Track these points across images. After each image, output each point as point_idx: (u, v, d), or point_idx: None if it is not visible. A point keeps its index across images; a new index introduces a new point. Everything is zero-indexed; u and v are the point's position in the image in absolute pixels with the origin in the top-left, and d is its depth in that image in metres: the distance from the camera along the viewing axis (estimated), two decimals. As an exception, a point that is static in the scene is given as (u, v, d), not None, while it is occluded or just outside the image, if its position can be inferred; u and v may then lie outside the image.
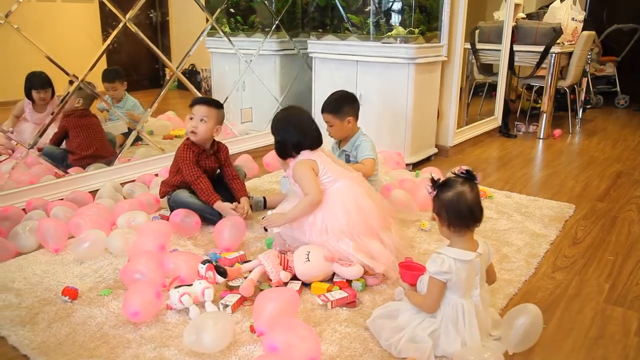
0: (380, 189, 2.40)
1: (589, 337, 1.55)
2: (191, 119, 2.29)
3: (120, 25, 2.65)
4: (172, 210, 2.31)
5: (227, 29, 3.73)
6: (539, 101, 4.65)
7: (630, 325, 1.61)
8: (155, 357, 1.40)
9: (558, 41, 4.13)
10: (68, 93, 2.54)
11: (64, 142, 2.80)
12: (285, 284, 1.74)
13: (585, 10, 5.21)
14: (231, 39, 3.43)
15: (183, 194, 2.27)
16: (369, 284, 1.78)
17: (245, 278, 1.74)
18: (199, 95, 3.14)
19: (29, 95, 2.80)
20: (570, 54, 4.38)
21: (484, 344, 1.40)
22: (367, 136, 2.44)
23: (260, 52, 3.59)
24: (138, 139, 2.91)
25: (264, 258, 1.76)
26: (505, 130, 4.27)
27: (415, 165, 3.24)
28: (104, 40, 2.68)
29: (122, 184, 2.61)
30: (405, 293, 1.50)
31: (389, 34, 3.13)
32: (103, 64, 2.92)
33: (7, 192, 2.29)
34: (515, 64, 4.28)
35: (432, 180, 1.42)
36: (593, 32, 4.45)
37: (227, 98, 3.39)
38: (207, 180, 2.28)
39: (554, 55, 4.07)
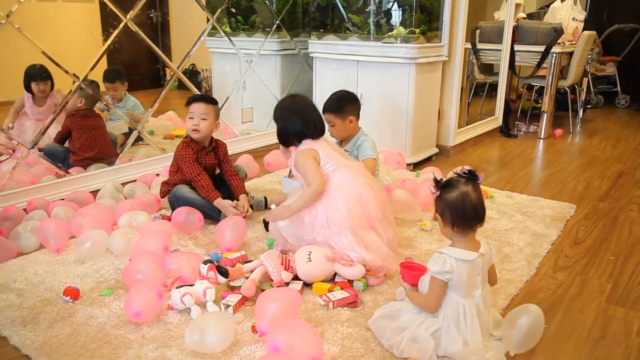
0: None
1: (591, 337, 1.54)
2: (191, 118, 2.29)
3: (121, 25, 2.65)
4: (172, 206, 2.31)
5: (227, 29, 3.73)
6: (540, 101, 4.65)
7: (632, 326, 1.60)
8: (157, 357, 1.40)
9: (559, 41, 4.13)
10: (70, 92, 2.54)
11: (67, 142, 2.79)
12: (287, 284, 1.74)
13: (585, 10, 5.22)
14: (232, 38, 3.43)
15: (184, 190, 2.28)
16: (370, 284, 1.77)
17: (247, 278, 1.74)
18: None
19: (28, 88, 2.80)
20: (570, 53, 4.38)
21: (486, 344, 1.40)
22: (368, 136, 2.44)
23: (260, 52, 3.59)
24: (139, 139, 2.91)
25: (266, 258, 1.75)
26: (505, 130, 4.27)
27: (416, 165, 3.24)
28: (105, 40, 2.68)
29: (123, 184, 2.61)
30: (407, 293, 1.50)
31: (390, 33, 3.13)
32: (103, 64, 2.91)
33: (8, 192, 2.29)
34: (516, 63, 4.27)
35: (435, 180, 1.41)
36: (594, 32, 4.45)
37: (227, 98, 3.39)
38: (208, 177, 2.29)
39: (554, 55, 4.07)
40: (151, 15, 4.05)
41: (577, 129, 4.59)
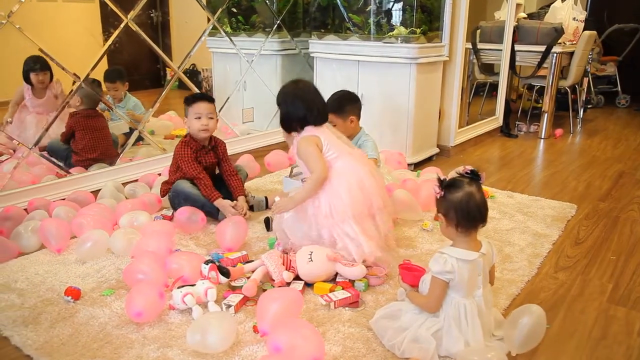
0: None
1: (592, 337, 1.54)
2: (198, 118, 2.28)
3: (122, 25, 2.65)
4: (172, 202, 2.32)
5: (228, 29, 3.73)
6: (540, 101, 4.65)
7: (633, 326, 1.60)
8: (159, 357, 1.40)
9: (559, 41, 4.13)
10: (71, 92, 2.54)
11: (70, 142, 2.79)
12: (288, 284, 1.74)
13: (586, 10, 5.22)
14: (232, 38, 3.43)
15: (184, 184, 2.28)
16: (371, 284, 1.77)
17: (248, 278, 1.74)
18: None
19: (27, 79, 2.79)
20: (571, 53, 4.38)
21: (487, 344, 1.40)
22: (369, 136, 2.44)
23: (261, 52, 3.58)
24: (140, 138, 2.91)
25: (267, 258, 1.75)
26: (506, 130, 4.27)
27: (417, 165, 3.24)
28: (105, 40, 2.68)
29: (124, 184, 2.61)
30: (407, 294, 1.50)
31: (391, 33, 3.12)
32: (104, 64, 2.91)
33: (9, 192, 2.29)
34: (517, 63, 4.27)
35: (440, 180, 1.40)
36: (594, 32, 4.45)
37: (228, 98, 3.39)
38: (208, 176, 2.30)
39: (555, 55, 4.07)
40: (151, 15, 4.05)
41: (578, 129, 4.59)
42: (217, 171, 2.47)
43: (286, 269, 1.74)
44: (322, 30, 3.47)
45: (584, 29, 4.46)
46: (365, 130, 2.48)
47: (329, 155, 1.89)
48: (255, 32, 3.79)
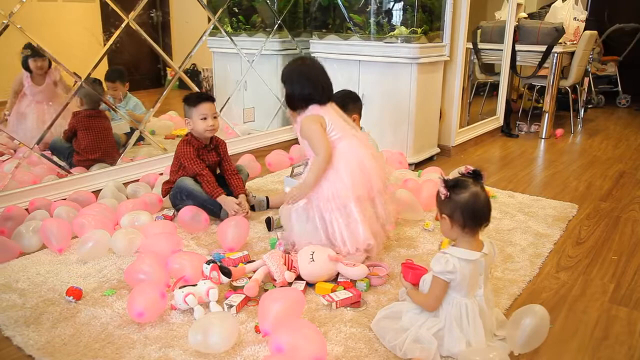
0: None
1: (594, 337, 1.54)
2: (204, 118, 2.28)
3: (123, 24, 2.64)
4: (174, 200, 2.32)
5: (229, 29, 3.73)
6: (541, 101, 4.65)
7: (635, 326, 1.60)
8: (160, 357, 1.40)
9: (560, 41, 4.13)
10: (74, 91, 2.54)
11: (72, 141, 2.79)
12: (290, 284, 1.74)
13: (586, 9, 5.22)
14: (233, 38, 3.43)
15: (187, 181, 2.29)
16: (373, 284, 1.77)
17: (250, 278, 1.74)
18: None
19: (26, 66, 2.77)
20: (572, 53, 4.38)
21: (489, 344, 1.40)
22: (370, 135, 2.44)
23: (262, 52, 3.58)
24: (140, 138, 2.90)
25: (268, 258, 1.75)
26: (507, 130, 4.27)
27: (418, 165, 3.23)
28: (105, 40, 2.68)
29: (125, 184, 2.60)
30: (407, 292, 1.50)
31: (392, 33, 3.12)
32: (104, 64, 2.91)
33: (10, 192, 2.29)
34: (517, 63, 4.27)
35: (445, 181, 1.39)
36: (595, 32, 4.45)
37: (229, 98, 3.39)
38: (211, 173, 2.31)
39: (556, 54, 4.07)
40: (152, 15, 4.04)
41: (578, 129, 4.59)
42: (218, 171, 2.47)
43: (288, 269, 1.74)
44: (323, 30, 3.47)
45: (585, 29, 4.46)
46: (366, 129, 2.47)
47: (332, 136, 1.87)
48: (256, 32, 3.79)
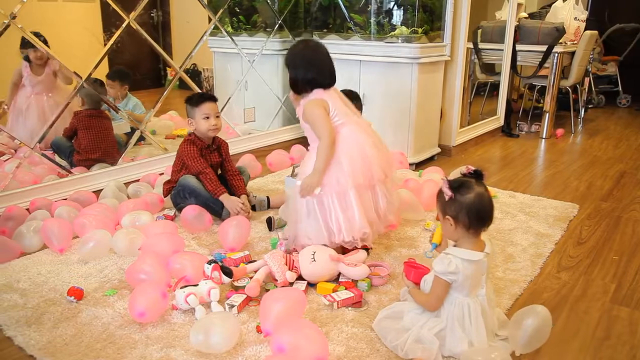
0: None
1: (596, 337, 1.54)
2: (207, 118, 2.29)
3: (124, 24, 2.64)
4: (175, 200, 2.33)
5: (229, 29, 3.73)
6: (541, 101, 4.65)
7: (637, 326, 1.60)
8: (162, 357, 1.40)
9: (560, 41, 4.13)
10: (74, 90, 2.54)
11: (73, 140, 2.79)
12: (291, 284, 1.74)
13: (587, 9, 5.22)
14: (234, 38, 3.43)
15: (190, 179, 2.29)
16: (374, 284, 1.77)
17: (251, 278, 1.73)
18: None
19: (25, 55, 2.74)
20: (572, 53, 4.38)
21: (491, 344, 1.40)
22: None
23: (262, 52, 3.58)
24: (141, 138, 2.90)
25: (270, 258, 1.75)
26: (507, 130, 4.27)
27: (419, 165, 3.23)
28: (106, 39, 2.68)
29: (126, 184, 2.60)
30: (409, 290, 1.49)
31: (392, 33, 3.12)
32: (104, 63, 2.91)
33: (11, 192, 2.28)
34: (518, 63, 4.27)
35: (449, 182, 1.38)
36: (595, 32, 4.45)
37: (229, 98, 3.39)
38: (213, 172, 2.31)
39: (556, 54, 4.07)
40: (152, 15, 4.04)
41: (579, 129, 4.59)
42: (220, 172, 2.47)
43: (289, 269, 1.74)
44: (324, 30, 3.47)
45: (585, 29, 4.46)
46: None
47: (335, 121, 1.86)
48: (256, 31, 3.79)
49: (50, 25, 3.14)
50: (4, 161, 2.66)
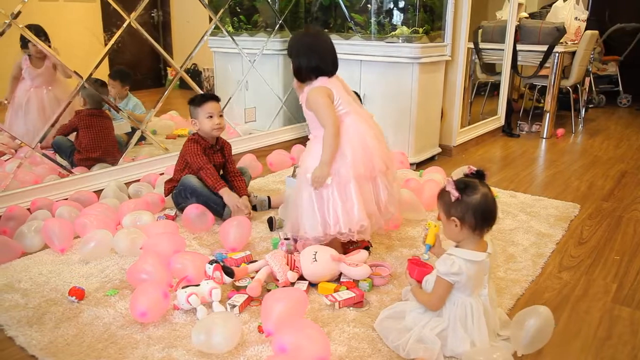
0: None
1: (598, 337, 1.54)
2: (210, 117, 2.29)
3: (125, 24, 2.64)
4: (177, 196, 2.33)
5: (230, 29, 3.73)
6: (542, 100, 4.65)
7: (638, 326, 1.60)
8: (164, 357, 1.40)
9: (561, 40, 4.13)
10: (75, 90, 2.54)
11: (74, 139, 2.79)
12: (292, 284, 1.74)
13: (587, 9, 5.22)
14: (234, 38, 3.43)
15: (192, 179, 2.29)
16: (375, 284, 1.77)
17: (252, 278, 1.73)
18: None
19: (25, 47, 2.73)
20: (573, 53, 4.38)
21: (493, 344, 1.40)
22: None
23: (263, 52, 3.58)
24: (142, 138, 2.90)
25: (271, 258, 1.75)
26: (508, 130, 4.27)
27: (419, 165, 3.23)
28: (106, 39, 2.67)
29: (127, 184, 2.60)
30: (412, 289, 1.49)
31: (393, 33, 3.12)
32: (105, 64, 2.91)
33: (12, 192, 2.28)
34: (518, 63, 4.27)
35: (456, 182, 1.37)
36: (596, 32, 4.45)
37: (230, 98, 3.39)
38: (214, 168, 2.31)
39: (557, 54, 4.07)
40: (153, 14, 4.04)
41: (580, 129, 4.59)
42: (221, 172, 2.48)
43: (290, 269, 1.74)
44: (325, 30, 3.46)
45: (586, 29, 4.46)
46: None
47: (339, 110, 1.85)
48: (257, 31, 3.78)
49: (50, 25, 3.13)
50: (5, 161, 2.66)
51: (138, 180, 2.66)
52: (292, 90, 3.81)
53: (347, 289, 1.71)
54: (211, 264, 1.68)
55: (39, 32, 2.56)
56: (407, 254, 2.00)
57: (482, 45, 4.22)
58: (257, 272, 1.76)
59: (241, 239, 2.03)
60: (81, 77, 2.51)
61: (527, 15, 4.56)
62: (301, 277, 1.76)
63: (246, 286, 1.68)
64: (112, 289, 1.72)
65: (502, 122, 4.27)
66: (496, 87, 4.34)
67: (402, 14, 3.17)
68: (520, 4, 4.24)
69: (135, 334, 1.50)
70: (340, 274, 1.78)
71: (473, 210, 1.35)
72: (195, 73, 3.97)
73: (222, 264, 1.71)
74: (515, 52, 4.15)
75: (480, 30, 4.23)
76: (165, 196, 2.41)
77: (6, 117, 2.78)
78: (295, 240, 1.96)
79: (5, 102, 2.75)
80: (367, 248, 1.96)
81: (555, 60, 4.09)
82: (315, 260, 1.74)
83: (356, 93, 2.47)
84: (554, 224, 2.35)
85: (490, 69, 4.42)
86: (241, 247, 2.02)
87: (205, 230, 2.20)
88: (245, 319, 1.56)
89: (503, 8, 4.43)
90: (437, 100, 3.35)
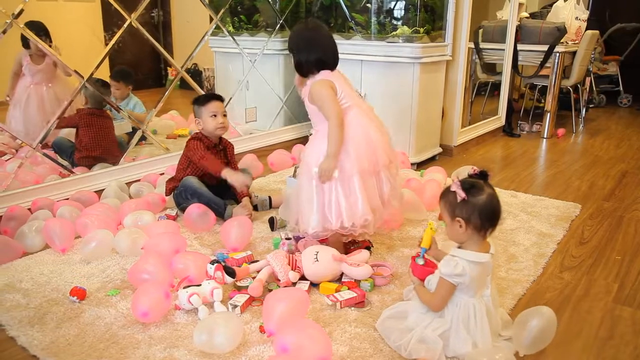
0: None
1: (599, 337, 1.54)
2: (214, 116, 2.30)
3: (126, 24, 2.64)
4: (177, 200, 2.33)
5: (230, 28, 3.72)
6: (542, 100, 4.65)
7: (640, 326, 1.60)
8: (165, 357, 1.39)
9: (562, 40, 4.13)
10: (76, 90, 2.54)
11: (74, 139, 2.79)
12: (294, 284, 1.74)
13: (588, 9, 5.22)
14: (235, 38, 3.43)
15: (193, 180, 2.30)
16: (377, 284, 1.77)
17: (254, 278, 1.73)
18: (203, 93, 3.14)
19: (26, 43, 2.73)
20: (573, 53, 4.38)
21: (494, 344, 1.40)
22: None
23: (264, 52, 3.58)
24: (142, 138, 2.90)
25: (272, 258, 1.75)
26: (508, 130, 4.27)
27: (420, 165, 3.23)
28: (107, 39, 2.67)
29: (128, 184, 2.60)
30: (415, 287, 1.49)
31: (394, 33, 3.12)
32: (105, 63, 2.91)
33: (13, 191, 2.28)
34: (519, 63, 4.27)
35: (462, 183, 1.36)
36: (597, 32, 4.45)
37: (231, 98, 3.39)
38: (213, 156, 2.32)
39: (557, 54, 4.07)
40: (153, 14, 4.04)
41: (580, 129, 4.59)
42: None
43: (292, 269, 1.74)
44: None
45: (586, 29, 4.46)
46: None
47: (343, 103, 1.84)
48: (257, 31, 3.78)
49: (50, 25, 3.14)
50: (6, 161, 2.66)
51: (139, 180, 2.66)
52: (293, 90, 3.81)
53: (349, 289, 1.71)
54: (212, 264, 1.68)
55: (40, 29, 2.56)
56: (409, 254, 2.00)
57: (482, 45, 4.22)
58: (258, 272, 1.76)
59: (242, 239, 2.02)
60: (82, 77, 2.51)
61: (528, 15, 4.55)
62: (303, 277, 1.76)
63: (247, 286, 1.68)
64: (113, 289, 1.72)
65: (502, 122, 4.27)
66: (497, 87, 4.34)
67: (403, 14, 3.17)
68: (520, 4, 4.24)
69: (137, 334, 1.49)
70: (342, 274, 1.78)
71: (479, 211, 1.34)
72: (195, 73, 3.97)
73: (223, 264, 1.71)
74: (515, 52, 4.15)
75: (480, 30, 4.23)
76: (167, 195, 2.41)
77: (7, 116, 2.79)
78: (297, 240, 1.96)
79: (7, 98, 2.74)
80: (368, 248, 1.96)
81: (556, 60, 4.09)
82: (317, 260, 1.74)
83: (357, 91, 2.48)
84: (555, 224, 2.35)
85: (491, 68, 4.42)
86: (242, 247, 2.02)
87: (207, 230, 2.20)
88: (246, 319, 1.56)
89: (504, 8, 4.43)
90: (437, 100, 3.34)
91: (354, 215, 1.77)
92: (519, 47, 4.19)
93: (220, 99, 2.37)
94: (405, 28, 3.09)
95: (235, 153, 2.53)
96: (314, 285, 1.76)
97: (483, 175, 1.38)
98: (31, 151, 2.39)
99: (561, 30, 4.09)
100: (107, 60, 2.94)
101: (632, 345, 1.51)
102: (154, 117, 3.04)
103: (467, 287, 1.36)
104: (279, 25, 3.62)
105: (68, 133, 2.87)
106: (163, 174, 2.76)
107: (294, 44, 1.92)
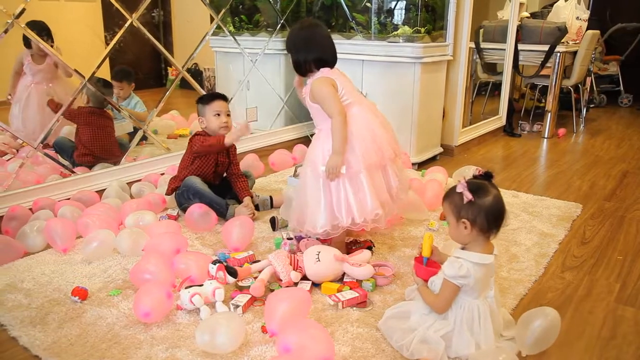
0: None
1: (602, 337, 1.54)
2: (217, 115, 2.31)
3: (127, 24, 2.64)
4: (179, 199, 2.33)
5: (231, 28, 3.72)
6: (543, 100, 4.65)
7: (642, 326, 1.60)
8: (167, 357, 1.39)
9: (562, 40, 4.12)
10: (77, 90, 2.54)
11: (74, 137, 2.79)
12: (296, 284, 1.74)
13: (588, 9, 5.22)
14: (236, 38, 3.42)
15: (195, 180, 2.30)
16: (379, 284, 1.77)
17: (255, 278, 1.73)
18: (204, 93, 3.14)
19: (27, 44, 2.73)
20: (574, 53, 4.37)
21: (497, 345, 1.40)
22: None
23: (265, 52, 3.58)
24: (143, 138, 2.90)
25: (274, 258, 1.75)
26: (509, 130, 4.27)
27: (421, 165, 3.23)
28: (108, 39, 2.67)
29: (129, 184, 2.60)
30: (418, 288, 1.48)
31: (395, 33, 3.12)
32: (106, 63, 2.91)
33: (14, 191, 2.28)
34: (520, 63, 4.27)
35: (469, 184, 1.35)
36: (597, 32, 4.45)
37: (232, 98, 3.38)
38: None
39: (558, 54, 4.07)
40: (154, 14, 4.03)
41: (581, 128, 4.59)
42: (225, 174, 2.48)
43: (294, 269, 1.74)
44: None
45: (587, 29, 4.46)
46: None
47: (344, 100, 1.84)
48: (258, 31, 3.78)
49: (51, 25, 3.14)
50: (7, 161, 2.66)
51: (139, 180, 2.66)
52: (294, 90, 3.79)
53: (351, 289, 1.70)
54: (214, 264, 1.68)
55: (42, 29, 2.55)
56: (410, 254, 2.00)
57: (483, 45, 4.22)
58: (260, 272, 1.76)
59: (244, 238, 2.02)
60: (83, 77, 2.51)
61: (529, 15, 4.55)
62: (304, 277, 1.76)
63: (249, 286, 1.68)
64: (115, 289, 1.72)
65: (503, 121, 4.27)
66: (497, 86, 4.34)
67: (403, 14, 3.17)
68: (521, 4, 4.24)
69: (139, 334, 1.49)
70: (344, 274, 1.78)
71: (485, 213, 1.34)
72: (196, 73, 3.97)
73: (225, 264, 1.70)
74: (516, 52, 4.15)
75: (481, 30, 4.23)
76: (168, 195, 2.41)
77: (10, 115, 2.79)
78: (298, 240, 1.96)
79: (9, 97, 2.74)
80: (370, 248, 1.96)
81: (557, 60, 4.09)
82: (319, 260, 1.73)
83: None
84: (556, 223, 2.34)
85: (492, 68, 4.42)
86: (244, 247, 2.02)
87: (208, 230, 2.20)
88: (248, 319, 1.56)
89: (504, 8, 4.43)
90: (438, 100, 3.34)
91: (364, 211, 1.77)
92: (520, 47, 4.18)
93: (224, 98, 2.39)
94: (406, 28, 3.09)
95: (237, 153, 2.52)
96: (315, 285, 1.75)
97: (488, 176, 1.38)
98: (32, 151, 2.39)
99: (562, 30, 4.09)
100: (108, 61, 2.94)
101: (634, 345, 1.51)
102: (155, 117, 3.04)
103: (471, 289, 1.36)
104: (279, 25, 3.62)
105: (69, 133, 2.87)
106: (164, 173, 2.76)
107: (291, 43, 1.92)
